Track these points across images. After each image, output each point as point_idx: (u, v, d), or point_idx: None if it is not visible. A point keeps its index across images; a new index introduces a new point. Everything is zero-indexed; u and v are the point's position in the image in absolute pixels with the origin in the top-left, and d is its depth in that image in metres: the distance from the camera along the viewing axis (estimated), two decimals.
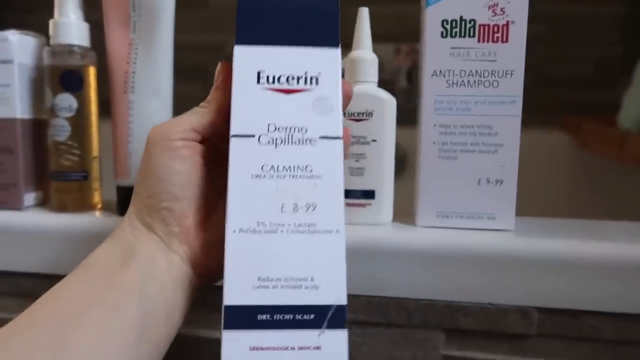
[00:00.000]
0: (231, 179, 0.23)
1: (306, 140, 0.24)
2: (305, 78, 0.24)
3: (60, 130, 0.37)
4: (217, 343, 0.35)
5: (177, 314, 0.25)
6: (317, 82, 0.24)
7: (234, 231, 0.23)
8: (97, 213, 0.38)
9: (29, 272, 0.37)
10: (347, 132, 0.25)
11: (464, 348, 0.33)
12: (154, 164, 0.25)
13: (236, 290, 0.22)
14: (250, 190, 0.23)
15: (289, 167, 0.24)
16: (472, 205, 0.34)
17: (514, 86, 0.33)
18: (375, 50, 0.35)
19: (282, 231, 0.23)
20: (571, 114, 0.90)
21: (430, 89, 0.34)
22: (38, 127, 0.39)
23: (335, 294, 0.22)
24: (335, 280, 0.23)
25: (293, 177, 0.23)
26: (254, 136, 0.24)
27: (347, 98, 0.26)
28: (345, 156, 0.24)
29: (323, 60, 0.25)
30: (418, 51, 0.35)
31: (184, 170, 0.25)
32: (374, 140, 0.34)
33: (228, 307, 0.22)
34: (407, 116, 0.47)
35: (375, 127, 0.34)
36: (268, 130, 0.24)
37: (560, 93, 0.96)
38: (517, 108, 0.33)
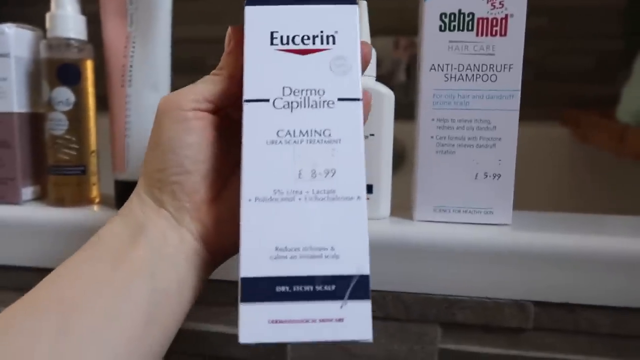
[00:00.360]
0: (245, 146, 0.22)
1: (324, 102, 0.23)
2: (321, 37, 0.23)
3: (58, 124, 0.37)
4: (216, 336, 0.35)
5: (188, 291, 0.24)
6: (334, 41, 0.23)
7: (250, 200, 0.22)
8: (95, 207, 0.38)
9: (27, 266, 0.37)
10: (367, 94, 0.24)
11: (461, 342, 0.33)
12: (165, 136, 0.24)
13: (253, 262, 0.21)
14: (266, 157, 0.22)
15: (306, 131, 0.22)
16: (470, 200, 0.34)
17: (513, 80, 0.32)
18: (374, 44, 0.35)
19: (300, 199, 0.22)
20: (572, 107, 0.90)
21: (429, 83, 0.33)
22: (35, 121, 0.39)
23: (357, 264, 0.21)
24: (357, 248, 0.21)
25: (310, 142, 0.22)
26: (268, 100, 0.23)
27: (365, 61, 0.24)
28: (365, 119, 0.23)
29: (339, 18, 0.23)
30: (417, 45, 0.35)
31: (196, 142, 0.24)
32: (372, 135, 0.34)
33: (245, 279, 0.21)
34: (406, 110, 0.47)
35: (373, 121, 0.34)
36: (283, 94, 0.23)
37: (562, 86, 0.95)
38: (515, 102, 0.33)
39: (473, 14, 0.32)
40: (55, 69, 0.37)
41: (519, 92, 0.33)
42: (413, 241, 0.32)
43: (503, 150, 0.33)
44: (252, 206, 0.22)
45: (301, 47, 0.23)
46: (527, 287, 0.31)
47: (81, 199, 0.38)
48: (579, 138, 0.82)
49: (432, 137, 0.34)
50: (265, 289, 0.21)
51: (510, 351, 0.33)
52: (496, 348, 0.33)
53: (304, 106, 0.23)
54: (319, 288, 0.21)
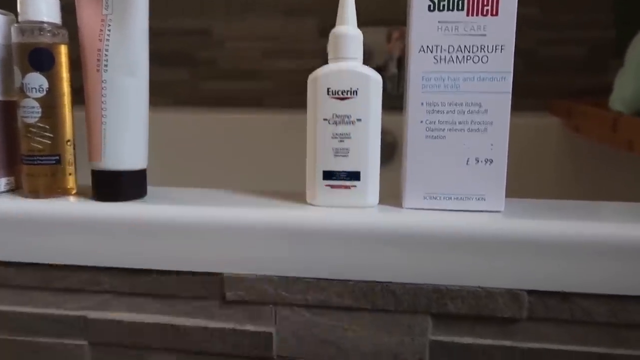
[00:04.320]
0: None
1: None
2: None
3: (31, 111, 0.35)
4: (197, 331, 0.33)
5: None
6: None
7: None
8: (71, 198, 0.37)
9: (1, 260, 0.35)
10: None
11: (452, 333, 0.32)
12: None
13: None
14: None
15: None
16: (461, 186, 0.33)
17: (504, 61, 0.31)
18: (365, 36, 0.34)
19: None
20: (564, 97, 0.89)
21: (417, 66, 0.32)
22: (8, 109, 0.38)
23: None
24: None
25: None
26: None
27: None
28: None
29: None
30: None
31: None
32: (359, 120, 0.33)
33: None
34: (399, 102, 0.45)
35: (360, 105, 0.33)
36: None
37: (553, 76, 0.95)
38: (507, 84, 0.31)
39: None
40: (27, 54, 0.35)
41: (511, 74, 0.31)
42: (402, 230, 0.31)
43: (495, 135, 0.32)
44: None
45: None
46: (521, 275, 0.30)
47: (56, 190, 0.37)
48: (570, 128, 0.81)
49: (421, 121, 0.32)
50: None
51: (504, 342, 0.32)
52: (489, 339, 0.32)
53: None
54: None
